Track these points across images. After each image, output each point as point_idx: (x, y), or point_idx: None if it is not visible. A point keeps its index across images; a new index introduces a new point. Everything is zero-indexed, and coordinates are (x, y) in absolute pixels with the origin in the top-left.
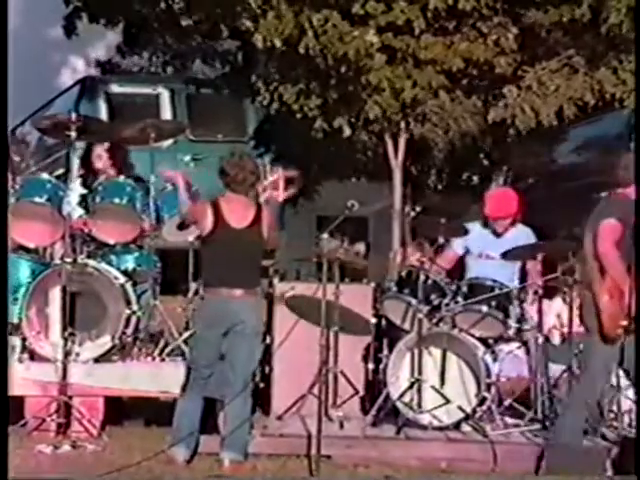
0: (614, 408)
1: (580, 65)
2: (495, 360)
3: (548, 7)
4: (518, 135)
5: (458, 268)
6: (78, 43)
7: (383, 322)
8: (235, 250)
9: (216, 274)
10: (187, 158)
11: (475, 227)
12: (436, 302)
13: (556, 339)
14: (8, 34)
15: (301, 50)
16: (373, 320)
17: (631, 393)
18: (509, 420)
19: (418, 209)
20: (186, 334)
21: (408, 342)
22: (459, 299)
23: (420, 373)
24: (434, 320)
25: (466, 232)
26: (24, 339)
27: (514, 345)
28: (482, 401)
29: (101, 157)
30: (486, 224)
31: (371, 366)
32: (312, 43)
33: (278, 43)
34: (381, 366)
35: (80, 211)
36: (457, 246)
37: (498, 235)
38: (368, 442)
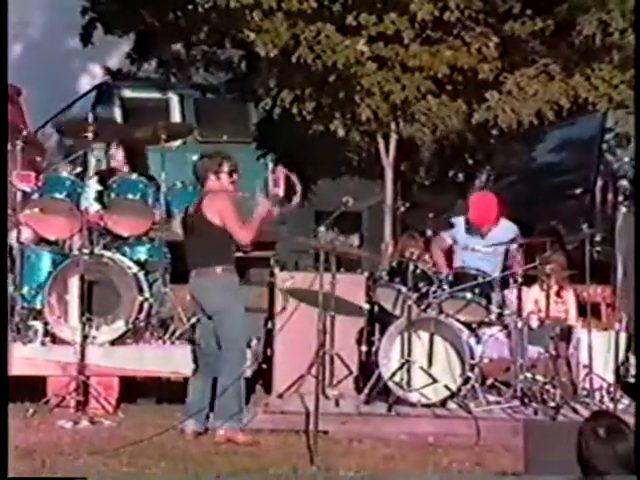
0: (587, 386)
1: (556, 72)
2: (478, 343)
3: (525, 19)
4: (500, 135)
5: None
6: (95, 52)
7: (375, 308)
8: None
9: (188, 260)
10: (195, 157)
11: (462, 222)
12: (424, 290)
13: (534, 323)
14: (30, 45)
15: (295, 59)
16: (366, 306)
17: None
18: (491, 397)
19: (408, 204)
20: (193, 319)
21: (398, 326)
22: (445, 287)
23: (409, 355)
24: (422, 306)
25: (452, 226)
26: (46, 324)
27: (496, 329)
28: (466, 380)
29: (115, 157)
30: (470, 224)
31: (364, 349)
32: (306, 53)
33: (273, 53)
34: (373, 348)
35: (97, 206)
36: (446, 237)
37: (482, 235)
38: (362, 418)
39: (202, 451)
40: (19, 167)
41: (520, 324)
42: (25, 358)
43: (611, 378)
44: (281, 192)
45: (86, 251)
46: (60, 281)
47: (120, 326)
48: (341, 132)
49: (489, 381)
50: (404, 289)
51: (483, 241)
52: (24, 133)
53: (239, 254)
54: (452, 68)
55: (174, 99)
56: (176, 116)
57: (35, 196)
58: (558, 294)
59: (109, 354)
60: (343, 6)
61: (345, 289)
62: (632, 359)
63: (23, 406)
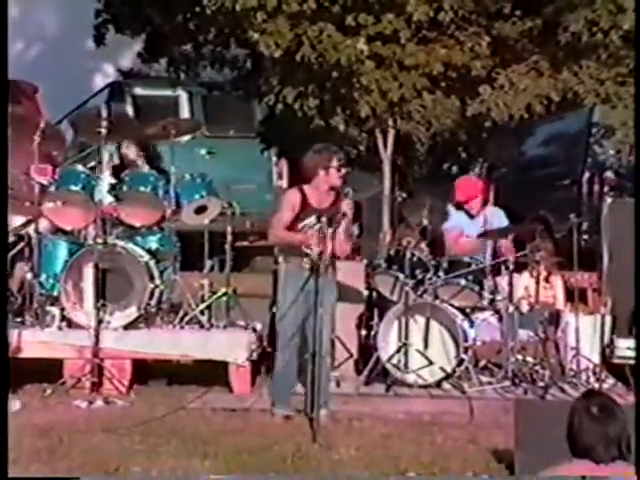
0: (574, 367)
1: (545, 69)
2: (472, 326)
3: (515, 19)
4: (494, 127)
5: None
6: (108, 52)
7: (374, 294)
8: None
9: None
10: (203, 152)
11: (452, 210)
12: (420, 276)
13: (524, 308)
14: (47, 45)
15: (299, 58)
16: (365, 292)
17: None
18: (483, 378)
19: (404, 195)
20: (202, 305)
21: (396, 311)
22: (440, 274)
23: (407, 338)
24: (419, 292)
25: (446, 215)
26: (62, 309)
27: (488, 313)
28: (460, 362)
29: (128, 151)
30: (460, 207)
31: (364, 333)
32: (309, 52)
33: (277, 53)
34: (372, 333)
35: (110, 198)
36: (453, 228)
37: (472, 217)
38: (361, 399)
39: (210, 430)
40: (37, 161)
41: (511, 309)
42: (43, 342)
43: (597, 359)
44: (285, 184)
45: (100, 241)
46: (76, 269)
47: (132, 312)
48: (341, 127)
49: (482, 363)
50: (401, 276)
51: (472, 224)
52: (42, 126)
53: (245, 243)
54: (446, 66)
55: (183, 96)
56: (185, 112)
57: (52, 189)
58: (547, 280)
59: (122, 338)
60: (342, 7)
61: (345, 276)
62: (617, 341)
63: (41, 387)
